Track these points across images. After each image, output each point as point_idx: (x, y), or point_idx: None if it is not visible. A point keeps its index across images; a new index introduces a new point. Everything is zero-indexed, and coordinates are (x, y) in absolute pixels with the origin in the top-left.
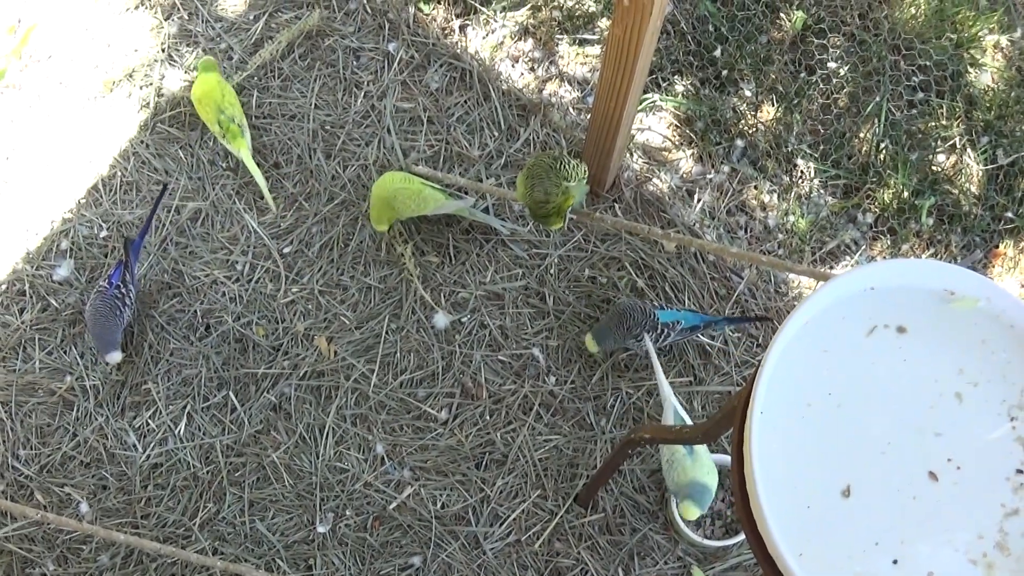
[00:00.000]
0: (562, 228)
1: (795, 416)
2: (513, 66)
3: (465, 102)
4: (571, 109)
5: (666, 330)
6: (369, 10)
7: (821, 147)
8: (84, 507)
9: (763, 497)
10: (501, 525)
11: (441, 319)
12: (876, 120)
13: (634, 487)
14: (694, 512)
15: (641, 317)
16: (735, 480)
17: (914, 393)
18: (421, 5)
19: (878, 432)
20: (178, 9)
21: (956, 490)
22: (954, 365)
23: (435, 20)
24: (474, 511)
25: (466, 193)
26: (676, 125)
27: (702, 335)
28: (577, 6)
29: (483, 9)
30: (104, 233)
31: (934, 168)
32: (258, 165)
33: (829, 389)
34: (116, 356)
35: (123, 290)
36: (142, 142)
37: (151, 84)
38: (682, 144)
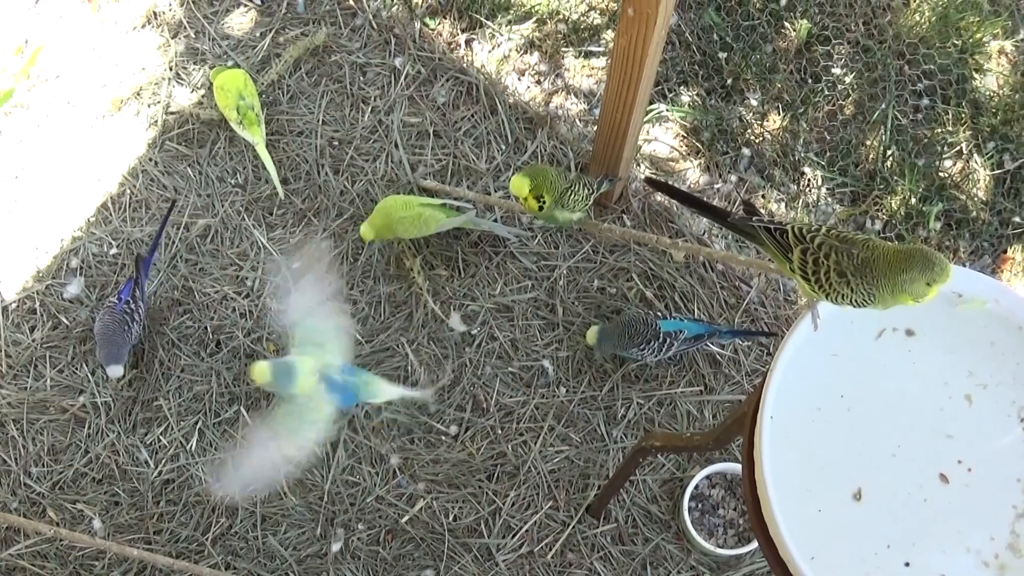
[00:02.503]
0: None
1: (805, 420)
2: (519, 79)
3: (472, 116)
4: (578, 121)
5: (669, 340)
6: (375, 26)
7: (828, 155)
8: (97, 523)
9: (774, 501)
10: (513, 537)
11: (457, 322)
12: (882, 127)
13: (646, 497)
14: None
15: (643, 328)
16: (746, 485)
17: (924, 396)
18: (427, 20)
19: (888, 435)
20: (185, 28)
21: (967, 492)
22: (963, 367)
23: (441, 35)
24: (486, 523)
25: (469, 204)
26: (683, 135)
27: (711, 344)
28: (582, 19)
29: (489, 23)
30: (114, 251)
31: (941, 174)
32: (266, 182)
33: (839, 393)
34: (118, 371)
35: (132, 306)
36: (151, 160)
37: (159, 102)
38: (689, 154)
